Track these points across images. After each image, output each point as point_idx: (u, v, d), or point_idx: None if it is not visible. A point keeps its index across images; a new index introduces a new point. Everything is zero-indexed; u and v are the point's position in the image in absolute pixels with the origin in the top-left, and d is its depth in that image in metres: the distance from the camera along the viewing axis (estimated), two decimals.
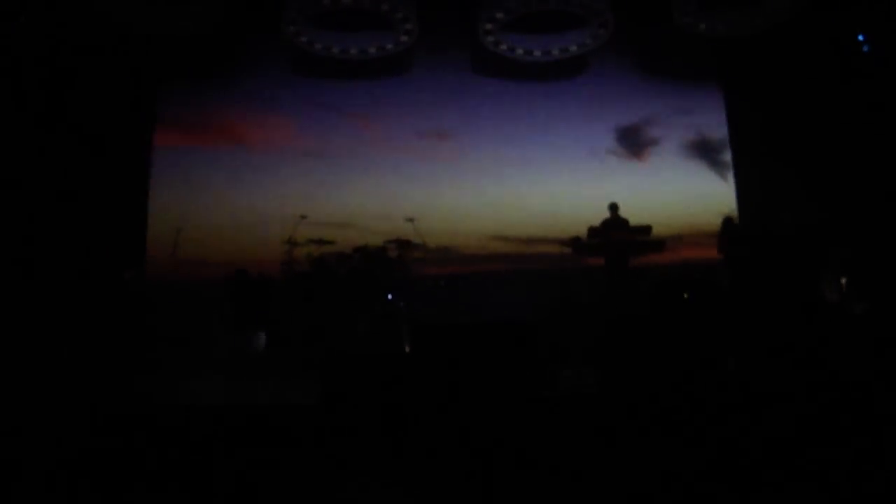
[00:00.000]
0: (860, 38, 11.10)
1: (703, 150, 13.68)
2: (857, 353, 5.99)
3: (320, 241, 10.72)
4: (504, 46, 11.57)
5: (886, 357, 6.06)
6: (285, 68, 12.76)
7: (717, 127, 13.36)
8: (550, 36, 11.66)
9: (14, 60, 9.75)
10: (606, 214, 11.02)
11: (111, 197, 10.81)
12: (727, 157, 13.16)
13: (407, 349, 8.25)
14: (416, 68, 12.67)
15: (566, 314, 9.25)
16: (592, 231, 10.53)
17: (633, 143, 13.76)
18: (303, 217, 10.81)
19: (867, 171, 10.73)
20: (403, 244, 10.81)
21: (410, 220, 10.98)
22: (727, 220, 10.62)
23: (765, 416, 5.34)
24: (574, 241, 10.56)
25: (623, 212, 11.03)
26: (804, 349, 6.13)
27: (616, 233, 10.63)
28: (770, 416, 5.33)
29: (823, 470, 4.85)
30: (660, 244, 10.46)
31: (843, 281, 9.45)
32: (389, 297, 10.15)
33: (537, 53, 11.81)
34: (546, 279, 10.94)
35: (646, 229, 10.49)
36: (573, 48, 11.67)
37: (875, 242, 9.82)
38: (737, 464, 4.86)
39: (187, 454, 5.14)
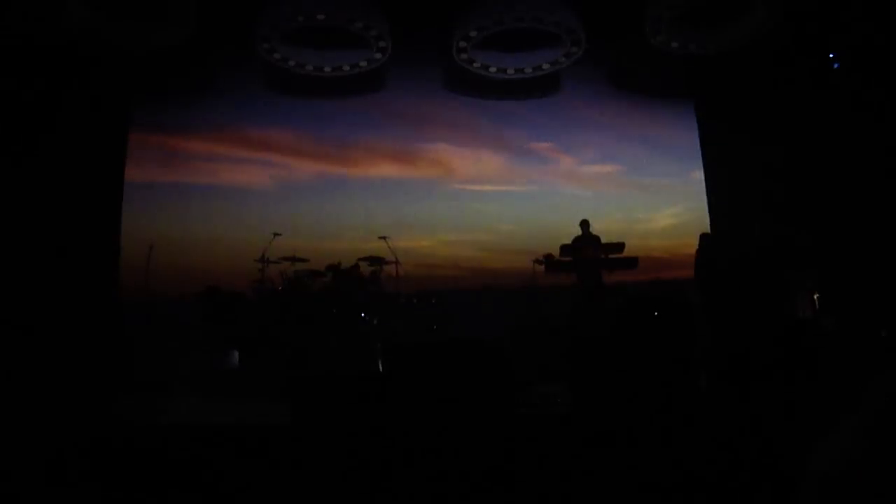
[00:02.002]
0: (830, 55, 11.24)
1: (676, 165, 13.78)
2: (828, 369, 6.03)
3: (293, 259, 10.66)
4: (477, 64, 11.61)
5: (856, 371, 6.11)
6: (259, 84, 12.72)
7: (688, 142, 13.46)
8: (523, 54, 11.71)
9: None
10: (578, 231, 11.06)
11: (83, 212, 10.69)
12: (700, 172, 13.25)
13: (380, 367, 8.23)
14: (390, 85, 12.69)
15: (538, 331, 9.26)
16: (565, 248, 10.54)
17: (606, 158, 13.86)
18: (276, 235, 10.73)
19: (839, 187, 10.84)
20: (376, 261, 10.79)
21: (383, 237, 10.95)
22: (704, 237, 10.66)
23: (736, 433, 5.36)
24: (547, 258, 10.57)
25: (595, 228, 11.07)
26: (775, 366, 6.16)
27: (588, 250, 10.66)
28: (741, 433, 5.35)
29: (796, 485, 4.86)
30: (633, 261, 10.49)
31: (816, 297, 9.52)
32: (362, 315, 10.12)
33: (510, 71, 11.85)
34: (519, 296, 10.94)
35: (618, 246, 10.52)
36: (546, 66, 11.72)
37: (846, 258, 9.91)
38: (707, 482, 4.88)
39: (157, 473, 5.09)
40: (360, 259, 10.70)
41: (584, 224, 11.00)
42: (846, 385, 5.69)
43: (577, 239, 10.87)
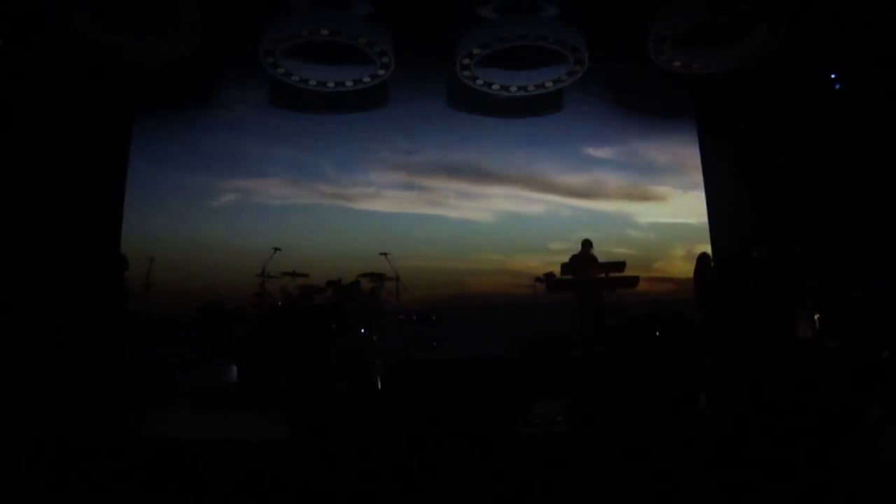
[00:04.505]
0: (832, 76, 11.27)
1: (677, 184, 13.79)
2: (829, 390, 6.00)
3: (294, 274, 10.64)
4: (480, 81, 11.63)
5: (858, 392, 6.08)
6: (262, 99, 12.76)
7: (691, 161, 13.46)
8: (526, 71, 11.72)
9: None
10: (580, 250, 11.02)
11: (84, 224, 10.68)
12: (701, 191, 13.23)
13: (379, 385, 8.19)
14: (393, 102, 12.71)
15: (538, 350, 9.22)
16: (565, 267, 10.51)
17: (609, 177, 13.87)
18: (276, 249, 10.71)
19: (841, 205, 10.84)
20: (377, 278, 10.77)
21: (384, 253, 10.94)
22: (703, 257, 10.64)
23: (736, 453, 5.33)
24: (547, 277, 10.54)
25: (597, 246, 11.05)
26: (777, 385, 6.13)
27: (589, 269, 10.62)
28: (741, 453, 5.33)
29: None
30: (633, 280, 10.47)
31: (816, 317, 9.48)
32: (362, 331, 10.09)
33: (513, 89, 11.87)
34: (519, 315, 10.89)
35: (619, 265, 10.50)
36: (549, 84, 11.74)
37: (848, 277, 9.88)
38: (709, 499, 4.85)
39: (154, 488, 5.06)
40: (360, 275, 10.68)
41: (586, 243, 10.97)
42: (848, 405, 5.67)
43: (577, 258, 10.84)
